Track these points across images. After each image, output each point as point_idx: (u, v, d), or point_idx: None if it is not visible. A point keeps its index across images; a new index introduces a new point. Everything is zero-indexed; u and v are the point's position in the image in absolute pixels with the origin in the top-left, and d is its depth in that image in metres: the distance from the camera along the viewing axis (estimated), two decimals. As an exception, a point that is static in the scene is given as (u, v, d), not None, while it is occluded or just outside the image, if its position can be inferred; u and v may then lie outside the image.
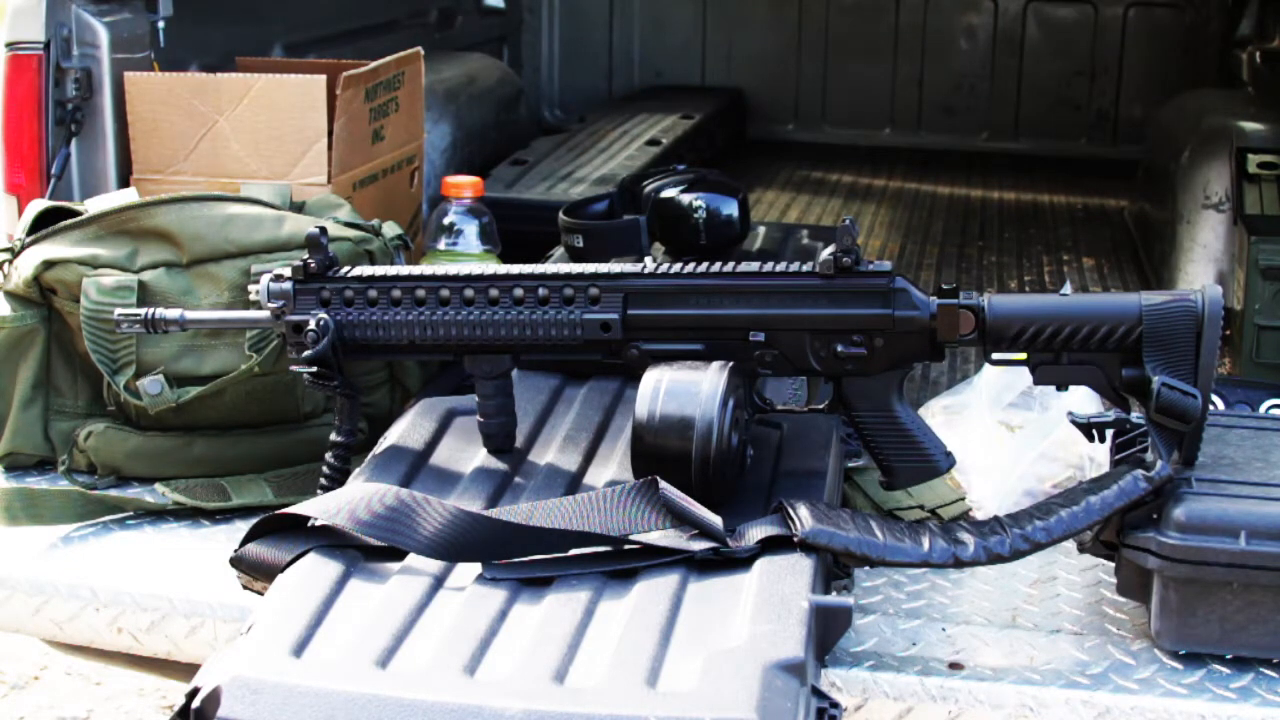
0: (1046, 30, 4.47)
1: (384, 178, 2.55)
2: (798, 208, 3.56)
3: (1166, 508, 1.58)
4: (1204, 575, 1.56)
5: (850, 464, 1.97)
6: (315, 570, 1.50)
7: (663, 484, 1.54)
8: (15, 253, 2.10)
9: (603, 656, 1.35)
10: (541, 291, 1.75)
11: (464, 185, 2.49)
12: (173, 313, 1.84)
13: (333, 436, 1.82)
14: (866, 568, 1.73)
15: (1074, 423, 1.69)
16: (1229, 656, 1.59)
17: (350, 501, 1.55)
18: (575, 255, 2.26)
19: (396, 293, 1.77)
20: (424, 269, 1.81)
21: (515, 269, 1.79)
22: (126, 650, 1.84)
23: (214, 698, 1.28)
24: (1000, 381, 2.08)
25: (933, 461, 1.77)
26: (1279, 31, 3.59)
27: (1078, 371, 1.70)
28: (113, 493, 2.02)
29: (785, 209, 3.55)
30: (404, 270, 1.82)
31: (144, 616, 1.81)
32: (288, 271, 1.79)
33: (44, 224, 2.11)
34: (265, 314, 1.80)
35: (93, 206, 2.12)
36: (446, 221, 2.48)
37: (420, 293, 1.77)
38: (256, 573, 1.56)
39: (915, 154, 4.47)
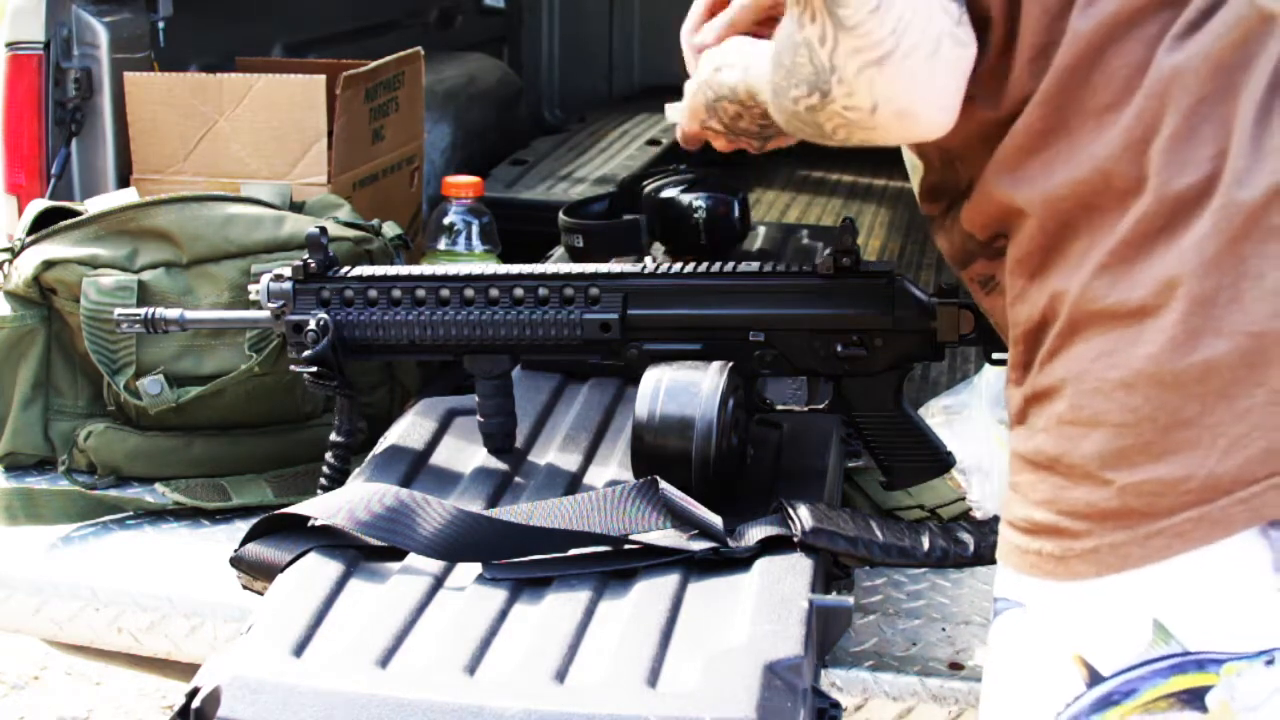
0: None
1: (384, 178, 2.55)
2: (798, 208, 3.55)
3: (1166, 508, 1.58)
4: (1204, 575, 1.56)
5: (850, 464, 1.97)
6: (315, 570, 1.50)
7: (663, 484, 1.54)
8: (15, 253, 2.10)
9: (603, 656, 1.35)
10: (541, 291, 1.75)
11: (464, 185, 2.48)
12: (173, 313, 1.84)
13: (333, 436, 1.82)
14: (866, 568, 1.73)
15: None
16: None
17: (350, 501, 1.55)
18: (575, 255, 2.26)
19: (396, 293, 1.77)
20: (424, 269, 1.81)
21: (515, 269, 1.79)
22: (126, 650, 1.84)
23: (214, 698, 1.28)
24: (1000, 381, 2.07)
25: (933, 461, 1.77)
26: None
27: (1078, 371, 1.70)
28: (113, 493, 2.02)
29: (785, 209, 3.54)
30: (404, 270, 1.82)
31: (144, 616, 1.81)
32: (288, 271, 1.79)
33: (44, 224, 2.11)
34: (265, 314, 1.80)
35: (93, 206, 2.12)
36: (446, 221, 2.48)
37: (420, 293, 1.77)
38: (256, 573, 1.56)
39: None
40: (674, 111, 1.78)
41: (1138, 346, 1.14)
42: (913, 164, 1.40)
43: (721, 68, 1.59)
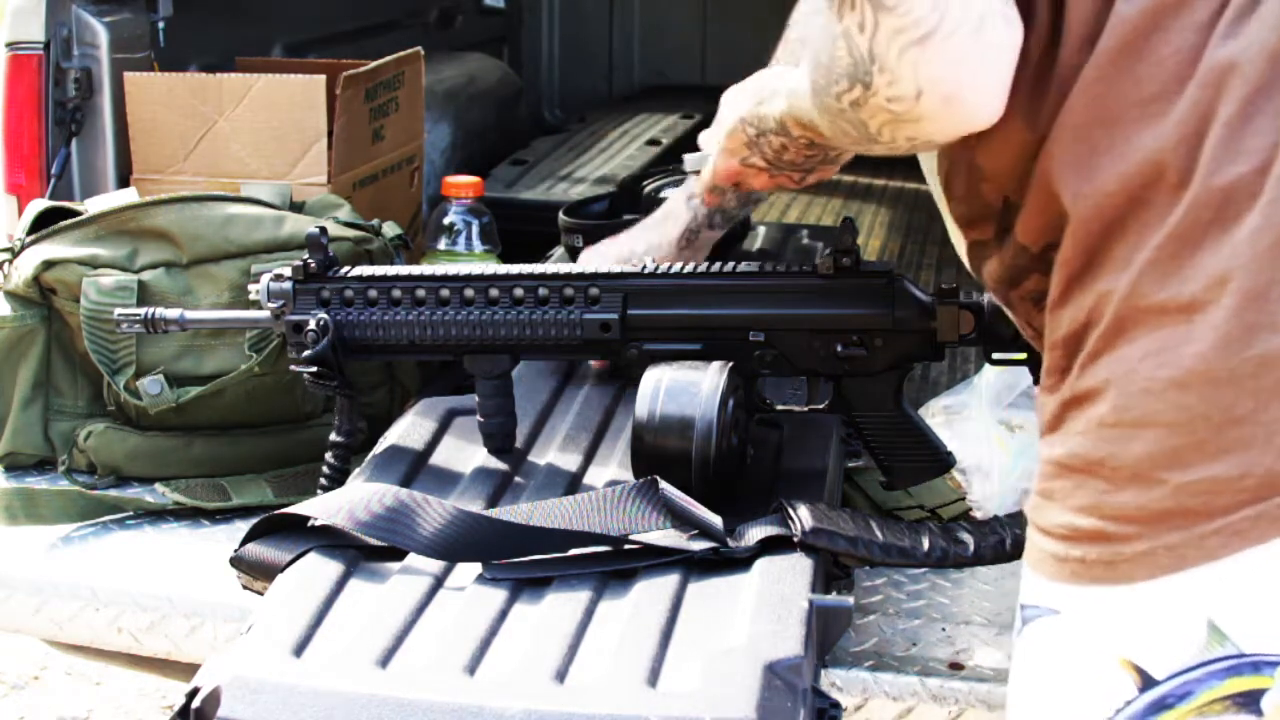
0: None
1: (384, 178, 2.55)
2: (798, 208, 3.55)
3: (1166, 508, 1.58)
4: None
5: (850, 464, 1.97)
6: (315, 570, 1.50)
7: (663, 484, 1.54)
8: (15, 253, 2.10)
9: (603, 656, 1.35)
10: (541, 291, 1.75)
11: (464, 185, 2.48)
12: (172, 313, 1.83)
13: (333, 436, 1.82)
14: (866, 568, 1.73)
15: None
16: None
17: (350, 501, 1.55)
18: (575, 255, 2.26)
19: (396, 293, 1.77)
20: (424, 269, 1.81)
21: (515, 269, 1.79)
22: (126, 650, 1.84)
23: (214, 698, 1.28)
24: (1000, 381, 2.08)
25: (933, 461, 1.77)
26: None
27: (1078, 371, 1.70)
28: (113, 493, 2.02)
29: (785, 209, 3.54)
30: (404, 270, 1.82)
31: (144, 616, 1.81)
32: (288, 271, 1.79)
33: (44, 224, 2.11)
34: (265, 314, 1.80)
35: (93, 206, 2.12)
36: (446, 221, 2.48)
37: (420, 293, 1.77)
38: (256, 573, 1.56)
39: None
40: (694, 161, 1.76)
41: (1188, 344, 1.11)
42: (939, 195, 1.37)
43: (764, 100, 1.56)
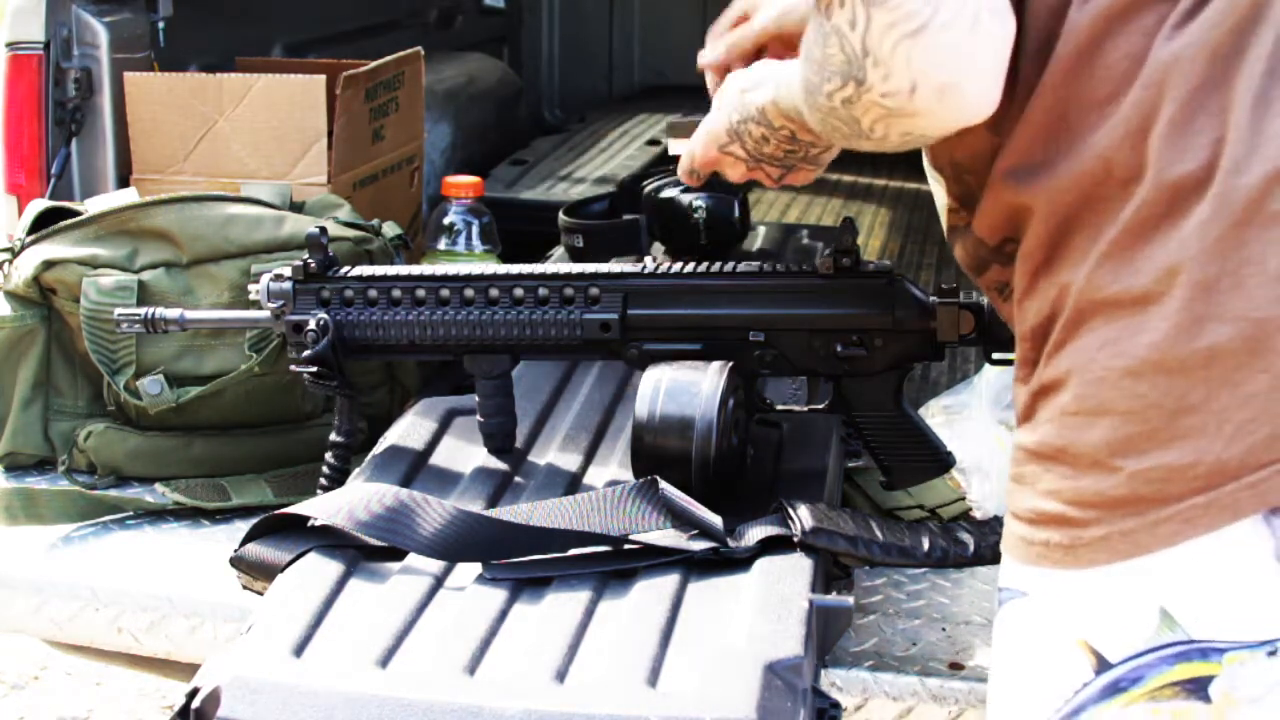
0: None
1: (384, 178, 2.54)
2: (798, 208, 3.55)
3: (1166, 508, 1.58)
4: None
5: (850, 464, 1.97)
6: (315, 570, 1.50)
7: (663, 484, 1.54)
8: (15, 253, 2.10)
9: (603, 656, 1.35)
10: (541, 291, 1.75)
11: (464, 185, 2.48)
12: (172, 312, 1.84)
13: (333, 436, 1.82)
14: (866, 568, 1.73)
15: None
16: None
17: (350, 501, 1.55)
18: (575, 255, 2.26)
19: (396, 293, 1.77)
20: (424, 269, 1.81)
21: (515, 269, 1.79)
22: (126, 650, 1.84)
23: (214, 698, 1.28)
24: (1000, 381, 2.07)
25: (933, 461, 1.77)
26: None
27: (1078, 371, 1.69)
28: (113, 493, 2.02)
29: (785, 209, 3.54)
30: (404, 270, 1.82)
31: (144, 616, 1.81)
32: (288, 271, 1.79)
33: (44, 224, 2.11)
34: (265, 314, 1.80)
35: (93, 206, 2.12)
36: (446, 221, 2.48)
37: (420, 293, 1.77)
38: (256, 573, 1.56)
39: (915, 153, 4.43)
40: (678, 145, 1.76)
41: (1142, 334, 1.14)
42: (934, 177, 1.40)
43: (748, 89, 1.56)
